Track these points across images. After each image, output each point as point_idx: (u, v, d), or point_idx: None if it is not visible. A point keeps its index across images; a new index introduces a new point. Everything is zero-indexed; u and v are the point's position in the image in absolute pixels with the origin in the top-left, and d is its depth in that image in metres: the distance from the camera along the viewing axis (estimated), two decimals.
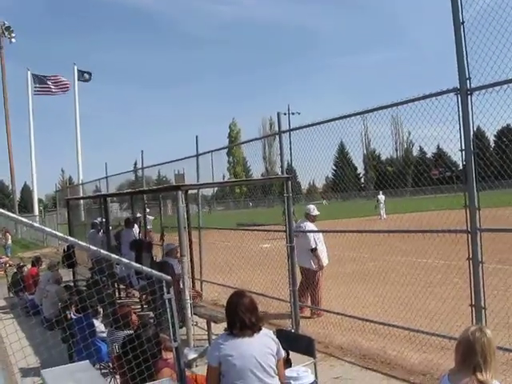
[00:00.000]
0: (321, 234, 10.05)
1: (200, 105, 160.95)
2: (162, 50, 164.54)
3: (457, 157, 6.01)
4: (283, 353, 4.40)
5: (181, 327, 6.20)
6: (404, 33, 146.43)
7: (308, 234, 9.78)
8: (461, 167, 5.99)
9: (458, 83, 5.77)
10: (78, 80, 42.70)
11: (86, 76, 43.59)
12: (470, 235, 5.80)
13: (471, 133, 5.74)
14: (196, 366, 6.82)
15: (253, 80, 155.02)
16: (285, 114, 58.32)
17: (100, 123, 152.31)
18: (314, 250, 9.78)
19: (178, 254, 7.44)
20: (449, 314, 7.65)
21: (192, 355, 6.74)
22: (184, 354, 6.01)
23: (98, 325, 7.35)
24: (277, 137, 9.16)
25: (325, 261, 9.98)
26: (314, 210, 10.12)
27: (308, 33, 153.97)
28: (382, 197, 31.31)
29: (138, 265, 4.93)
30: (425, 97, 6.27)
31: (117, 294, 12.31)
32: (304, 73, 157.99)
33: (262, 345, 4.23)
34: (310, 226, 9.99)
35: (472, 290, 5.86)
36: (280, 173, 9.25)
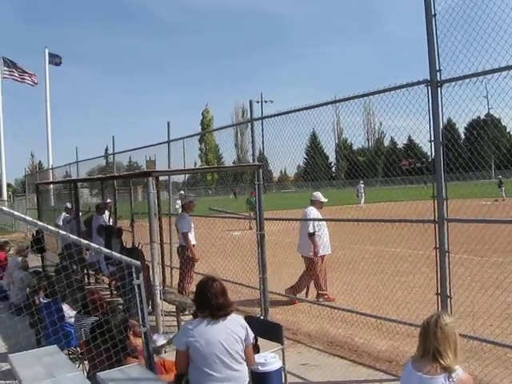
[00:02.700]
0: (324, 222, 9.91)
1: (174, 92, 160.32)
2: (135, 36, 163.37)
3: (427, 148, 6.09)
4: (252, 338, 4.44)
5: (150, 313, 6.21)
6: (378, 23, 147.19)
7: (314, 218, 9.71)
8: (430, 158, 6.07)
9: (429, 75, 5.83)
10: (49, 63, 41.90)
11: (57, 59, 42.77)
12: (437, 225, 5.89)
13: (440, 124, 5.81)
14: (165, 351, 6.83)
15: (227, 68, 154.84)
16: (258, 101, 58.39)
17: (71, 108, 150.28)
18: (311, 235, 9.70)
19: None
20: (415, 303, 7.77)
21: (161, 341, 6.75)
22: (153, 340, 6.01)
23: (67, 310, 7.31)
24: (249, 124, 9.15)
25: (323, 249, 9.83)
26: (321, 196, 10.03)
27: (282, 21, 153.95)
28: (361, 185, 32.13)
29: (107, 250, 4.91)
30: (396, 88, 6.32)
31: (86, 279, 12.23)
32: (278, 61, 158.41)
33: (230, 331, 4.26)
34: (313, 211, 9.85)
35: (438, 279, 5.95)
36: (252, 161, 9.26)
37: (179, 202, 18.83)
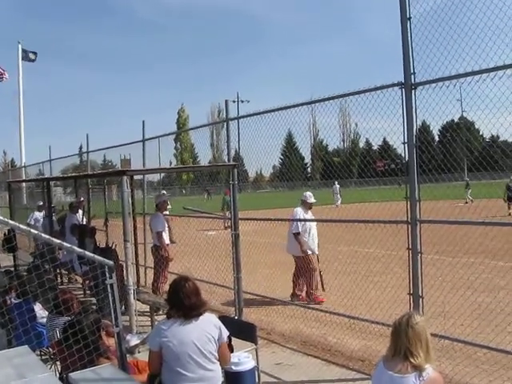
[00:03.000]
0: (313, 224, 10.00)
1: (149, 92, 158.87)
2: (109, 33, 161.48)
3: (401, 149, 6.15)
4: (226, 337, 4.45)
5: (123, 313, 6.16)
6: (356, 25, 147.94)
7: (294, 218, 9.79)
8: (404, 160, 6.14)
9: (403, 77, 5.89)
10: (23, 60, 41.24)
11: (32, 56, 42.09)
12: (409, 226, 5.96)
13: (414, 127, 5.87)
14: (139, 352, 6.79)
15: (203, 68, 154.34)
16: (234, 101, 58.39)
17: (46, 105, 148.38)
18: (296, 235, 9.75)
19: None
20: (388, 302, 7.85)
21: (134, 341, 6.70)
22: (126, 340, 5.97)
23: (39, 310, 7.22)
24: (225, 124, 9.14)
25: (311, 248, 9.87)
26: (310, 197, 10.05)
27: (259, 21, 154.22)
28: (337, 186, 32.49)
29: (80, 249, 4.87)
30: (370, 90, 6.37)
31: (59, 279, 12.09)
32: (255, 61, 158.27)
33: (203, 330, 4.26)
34: (298, 211, 9.91)
35: (410, 279, 6.02)
36: (227, 160, 9.25)
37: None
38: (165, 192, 18.30)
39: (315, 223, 10.08)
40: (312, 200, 10.09)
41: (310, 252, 9.81)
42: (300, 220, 9.67)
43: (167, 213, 17.73)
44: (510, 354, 5.51)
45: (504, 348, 5.63)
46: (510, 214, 23.30)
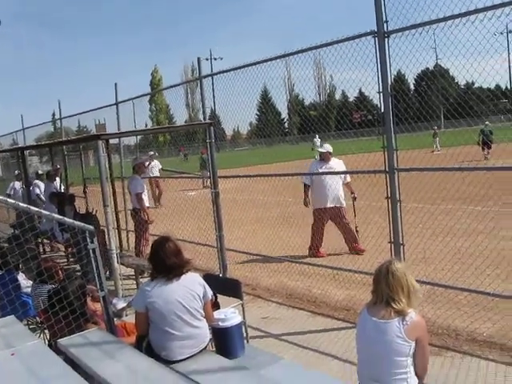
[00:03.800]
0: (324, 176, 9.46)
1: (122, 55, 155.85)
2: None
3: (377, 100, 6.13)
4: (210, 295, 4.49)
5: (108, 278, 6.17)
6: None
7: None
8: (380, 110, 6.13)
9: (376, 26, 5.83)
10: None
11: None
12: (388, 175, 5.99)
13: (388, 75, 5.84)
14: (126, 315, 6.81)
15: (177, 29, 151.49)
16: (207, 59, 57.51)
17: (16, 72, 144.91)
18: (305, 186, 9.72)
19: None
20: (369, 252, 7.97)
21: (121, 305, 6.72)
22: (113, 304, 6.00)
23: (23, 280, 7.20)
24: (199, 82, 9.02)
25: (316, 203, 9.63)
26: (320, 146, 9.89)
27: None
28: (317, 140, 32.54)
29: (59, 216, 4.84)
30: (344, 40, 6.29)
31: (41, 248, 12.02)
32: (228, 19, 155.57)
33: (187, 289, 4.29)
34: (311, 163, 9.72)
35: (391, 227, 6.09)
36: (202, 119, 9.16)
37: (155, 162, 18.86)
38: (152, 152, 18.30)
39: (325, 176, 9.51)
40: (320, 149, 9.82)
41: (317, 206, 9.61)
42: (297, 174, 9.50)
43: (158, 174, 17.74)
44: (490, 295, 5.63)
45: (484, 290, 5.74)
46: (485, 158, 23.57)
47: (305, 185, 9.71)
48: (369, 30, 5.89)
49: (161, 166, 19.56)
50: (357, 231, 9.39)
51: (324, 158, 9.66)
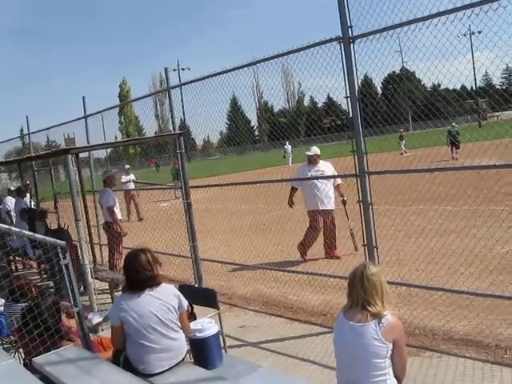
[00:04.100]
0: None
1: (89, 70, 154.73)
2: (43, 10, 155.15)
3: (345, 105, 6.18)
4: (186, 306, 4.45)
5: (83, 294, 6.10)
6: None
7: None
8: (349, 115, 6.18)
9: (341, 31, 5.88)
10: None
11: None
12: (358, 179, 6.03)
13: (355, 80, 5.90)
14: (102, 329, 6.74)
15: (145, 42, 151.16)
16: (174, 69, 57.32)
17: None
18: (292, 190, 9.67)
19: None
20: (344, 256, 8.02)
21: (96, 319, 6.64)
22: (89, 319, 5.92)
23: None
24: (167, 93, 8.99)
25: (309, 205, 9.51)
26: (307, 149, 9.69)
27: None
28: (288, 146, 32.73)
29: (29, 232, 4.77)
30: (310, 46, 6.33)
31: (13, 266, 11.82)
32: (198, 29, 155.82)
33: (162, 300, 4.25)
34: (297, 167, 9.66)
35: (364, 230, 6.13)
36: (172, 130, 9.13)
37: (125, 177, 18.81)
38: (128, 166, 18.25)
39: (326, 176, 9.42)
40: (308, 153, 9.61)
41: (311, 208, 9.47)
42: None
43: (133, 187, 17.64)
44: (464, 293, 5.70)
45: (458, 289, 5.82)
46: (453, 158, 23.95)
47: (292, 187, 9.63)
48: (334, 36, 5.95)
49: (134, 178, 19.62)
50: (351, 234, 9.20)
51: (312, 161, 9.55)
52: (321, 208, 9.37)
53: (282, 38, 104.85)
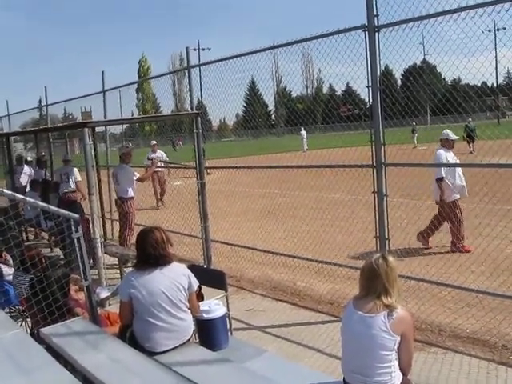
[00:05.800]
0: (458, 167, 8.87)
1: (111, 45, 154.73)
2: None
3: (364, 94, 6.12)
4: (196, 286, 4.46)
5: (92, 267, 6.12)
6: None
7: (439, 162, 8.66)
8: (368, 104, 6.12)
9: (366, 20, 5.81)
10: None
11: None
12: (375, 169, 5.99)
13: (378, 70, 5.84)
14: (109, 304, 6.79)
15: (165, 19, 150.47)
16: (195, 49, 57.15)
17: (1, 58, 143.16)
18: (438, 180, 8.66)
19: None
20: (355, 246, 7.99)
21: (104, 294, 6.69)
22: (96, 293, 5.96)
23: (5, 268, 7.12)
24: (186, 72, 8.95)
25: (453, 195, 8.73)
26: (450, 134, 8.94)
27: None
28: (303, 132, 32.58)
29: (43, 204, 4.78)
30: (333, 33, 6.27)
31: (24, 236, 11.91)
32: (218, 9, 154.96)
33: (172, 279, 4.25)
34: (440, 153, 8.68)
35: (377, 222, 6.10)
36: (189, 109, 9.11)
37: (151, 154, 17.46)
38: (155, 142, 17.64)
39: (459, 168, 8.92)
40: (454, 137, 9.02)
41: (457, 196, 8.83)
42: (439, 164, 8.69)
43: (162, 164, 16.43)
44: (474, 291, 5.67)
45: (468, 286, 5.79)
46: (470, 153, 23.71)
47: (441, 178, 8.66)
48: (359, 24, 5.88)
49: (166, 158, 16.44)
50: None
51: (450, 146, 8.92)
52: (458, 197, 8.88)
53: (303, 25, 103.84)
